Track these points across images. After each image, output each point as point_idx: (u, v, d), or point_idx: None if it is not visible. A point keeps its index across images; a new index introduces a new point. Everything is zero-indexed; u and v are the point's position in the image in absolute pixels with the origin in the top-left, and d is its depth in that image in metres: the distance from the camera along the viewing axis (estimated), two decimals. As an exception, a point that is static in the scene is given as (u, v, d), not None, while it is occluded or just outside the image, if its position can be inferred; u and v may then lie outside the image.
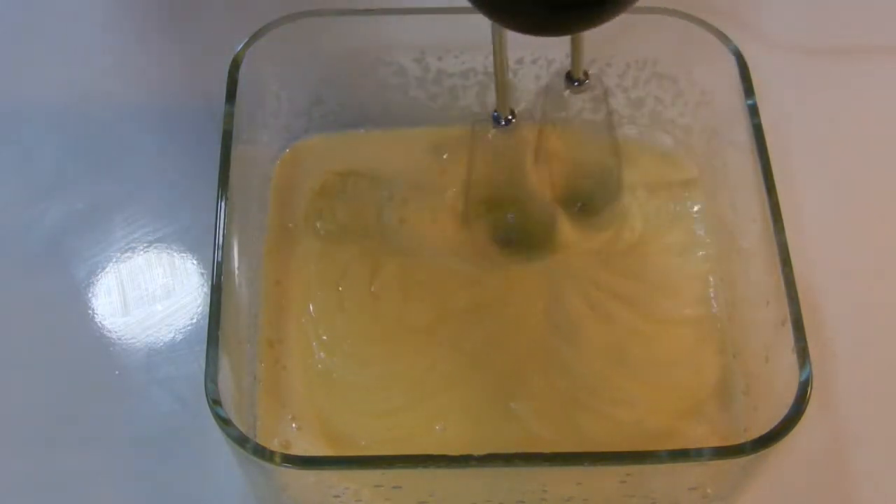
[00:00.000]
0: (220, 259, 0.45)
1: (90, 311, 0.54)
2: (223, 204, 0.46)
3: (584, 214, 0.54)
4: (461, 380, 0.50)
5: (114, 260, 0.56)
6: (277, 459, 0.40)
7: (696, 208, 0.54)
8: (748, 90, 0.49)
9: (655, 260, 0.53)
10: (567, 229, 0.54)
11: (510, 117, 0.50)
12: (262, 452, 0.40)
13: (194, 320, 0.54)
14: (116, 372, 0.53)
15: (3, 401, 0.52)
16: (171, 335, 0.54)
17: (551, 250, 0.53)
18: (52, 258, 0.56)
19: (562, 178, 0.54)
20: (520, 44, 0.46)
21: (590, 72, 0.50)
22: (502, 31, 0.46)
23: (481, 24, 0.43)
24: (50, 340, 0.54)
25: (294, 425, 0.49)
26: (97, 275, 0.55)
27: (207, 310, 0.43)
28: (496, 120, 0.50)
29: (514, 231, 0.54)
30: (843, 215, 0.57)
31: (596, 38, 0.52)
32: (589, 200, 0.54)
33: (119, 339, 0.54)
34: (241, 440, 0.40)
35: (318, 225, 0.54)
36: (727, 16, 0.51)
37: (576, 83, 0.50)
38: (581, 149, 0.54)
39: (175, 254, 0.56)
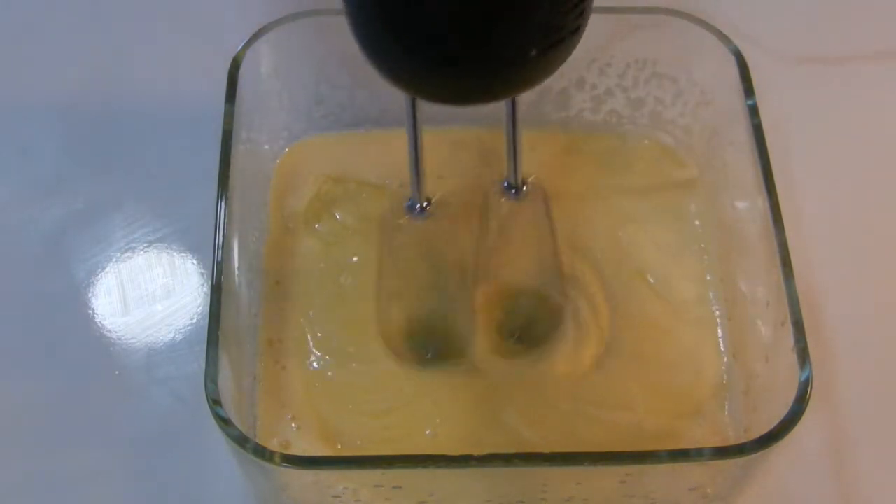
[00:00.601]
0: (220, 259, 0.45)
1: (90, 311, 0.54)
2: (223, 204, 0.46)
3: (522, 345, 0.50)
4: (457, 376, 0.50)
5: (114, 260, 0.56)
6: (277, 459, 0.40)
7: (695, 208, 0.54)
8: (748, 90, 0.49)
9: (654, 260, 0.53)
10: (497, 358, 0.49)
11: (425, 205, 0.47)
12: (262, 452, 0.40)
13: (194, 320, 0.54)
14: (116, 372, 0.53)
15: (2, 400, 0.52)
16: (171, 335, 0.54)
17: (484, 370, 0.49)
18: (51, 258, 0.56)
19: (497, 301, 0.50)
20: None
21: (529, 179, 0.47)
22: (417, 104, 0.43)
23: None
24: (49, 340, 0.54)
25: (294, 425, 0.49)
26: (97, 275, 0.56)
27: (207, 310, 0.43)
28: (410, 208, 0.47)
29: (433, 342, 0.49)
30: (843, 215, 0.57)
31: (596, 38, 0.52)
32: (527, 330, 0.50)
33: (119, 339, 0.54)
34: (241, 440, 0.40)
35: (317, 226, 0.54)
36: (726, 17, 0.51)
37: (514, 191, 0.48)
38: (520, 268, 0.50)
39: (175, 254, 0.56)
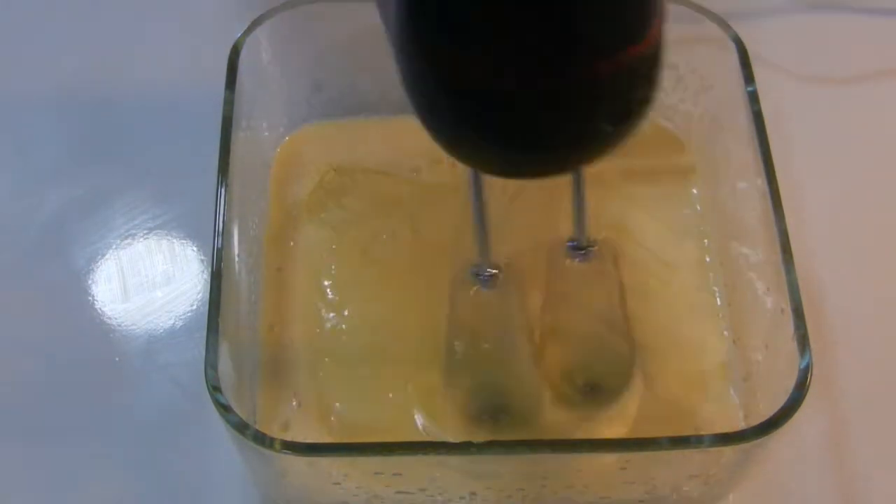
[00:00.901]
0: (220, 246, 0.45)
1: (90, 298, 0.54)
2: (223, 191, 0.46)
3: (588, 403, 0.48)
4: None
5: (114, 247, 0.56)
6: (277, 446, 0.40)
7: (696, 194, 0.54)
8: (748, 77, 0.49)
9: (655, 245, 0.53)
10: (564, 418, 0.48)
11: (493, 272, 0.45)
12: (262, 439, 0.40)
13: (194, 307, 0.54)
14: (116, 358, 0.53)
15: (2, 387, 0.52)
16: (171, 322, 0.54)
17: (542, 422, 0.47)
18: (52, 245, 0.56)
19: (564, 361, 0.49)
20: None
21: (599, 238, 0.46)
22: (481, 174, 0.41)
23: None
24: (50, 327, 0.54)
25: (294, 410, 0.49)
26: (97, 261, 0.56)
27: (207, 296, 0.43)
28: (476, 276, 0.45)
29: (499, 407, 0.47)
30: (843, 214, 0.57)
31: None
32: (595, 388, 0.48)
33: (119, 325, 0.54)
34: (241, 426, 0.40)
35: (323, 216, 0.54)
36: (726, 16, 0.51)
37: (581, 251, 0.46)
38: (587, 328, 0.49)
39: (175, 240, 0.56)
